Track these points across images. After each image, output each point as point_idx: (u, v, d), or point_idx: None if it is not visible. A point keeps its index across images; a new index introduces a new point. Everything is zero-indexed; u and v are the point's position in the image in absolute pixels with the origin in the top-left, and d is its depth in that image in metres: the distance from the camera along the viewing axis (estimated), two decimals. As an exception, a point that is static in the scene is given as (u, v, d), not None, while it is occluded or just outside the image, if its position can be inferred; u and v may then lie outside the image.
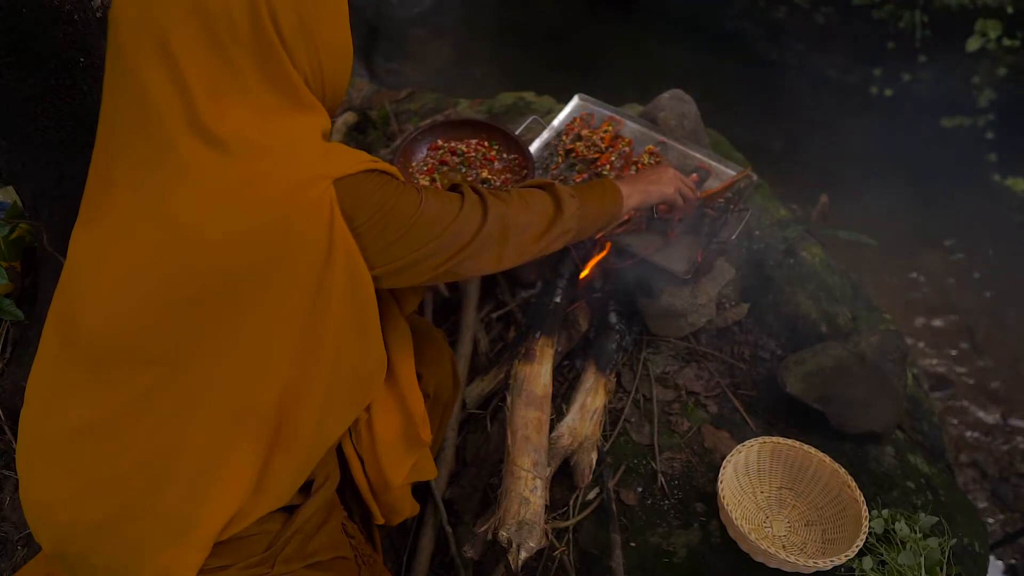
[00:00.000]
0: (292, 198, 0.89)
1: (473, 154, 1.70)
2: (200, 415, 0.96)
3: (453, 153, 1.69)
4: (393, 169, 1.02)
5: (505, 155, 1.71)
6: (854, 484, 1.50)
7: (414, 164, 1.67)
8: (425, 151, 1.70)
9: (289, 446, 1.04)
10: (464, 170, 1.67)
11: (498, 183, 1.65)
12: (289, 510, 1.14)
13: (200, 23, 0.86)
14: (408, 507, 1.42)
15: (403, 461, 1.35)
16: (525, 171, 1.66)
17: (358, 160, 0.96)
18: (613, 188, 1.39)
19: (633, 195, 1.42)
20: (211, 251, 0.89)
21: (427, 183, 1.62)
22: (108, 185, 0.93)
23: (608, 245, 1.82)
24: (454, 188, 1.15)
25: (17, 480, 1.71)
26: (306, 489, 1.17)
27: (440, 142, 1.72)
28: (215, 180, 0.88)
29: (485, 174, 1.66)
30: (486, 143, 1.73)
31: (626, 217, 1.63)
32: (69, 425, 0.97)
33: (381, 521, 1.38)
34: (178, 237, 0.89)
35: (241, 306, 0.92)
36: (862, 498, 1.47)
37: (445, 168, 1.67)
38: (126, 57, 0.88)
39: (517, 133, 1.85)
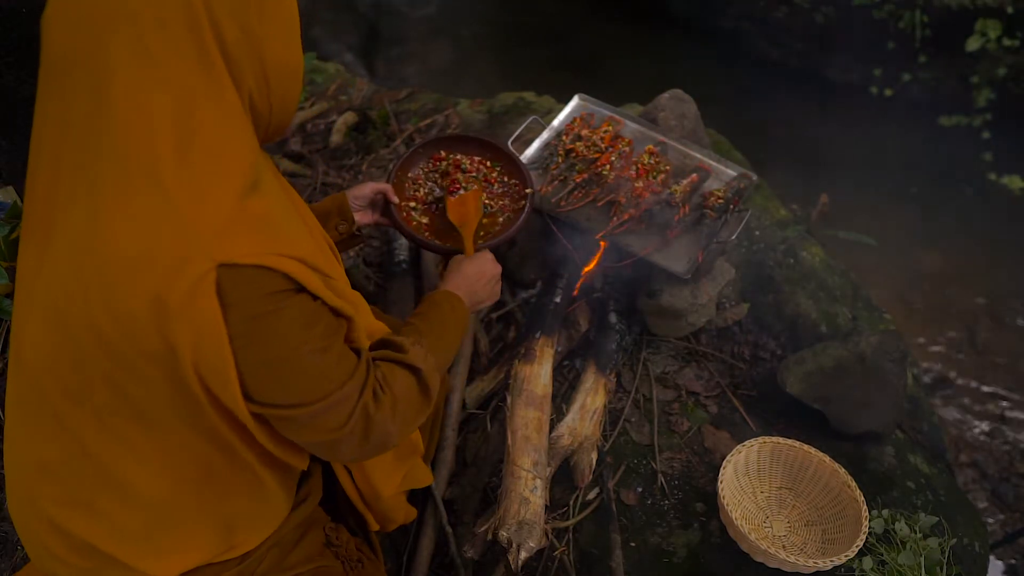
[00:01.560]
0: (171, 271, 0.79)
1: (474, 173, 1.65)
2: (130, 466, 0.93)
3: (456, 167, 1.65)
4: (313, 281, 0.89)
5: (506, 179, 1.66)
6: (854, 484, 1.50)
7: (410, 175, 1.64)
8: (426, 162, 1.66)
9: (239, 494, 1.03)
10: (465, 188, 1.63)
11: (495, 208, 1.62)
12: None
13: (134, 33, 0.79)
14: (402, 514, 1.41)
15: (393, 473, 1.33)
16: (523, 201, 1.61)
17: (260, 250, 0.83)
18: (463, 315, 1.29)
19: (471, 308, 1.35)
20: (115, 288, 0.81)
21: (423, 195, 1.60)
22: (34, 204, 0.88)
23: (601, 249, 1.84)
24: (357, 352, 1.00)
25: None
26: None
27: (444, 153, 1.67)
28: (121, 217, 0.80)
29: (483, 198, 1.62)
30: (488, 163, 1.68)
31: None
32: (29, 455, 0.96)
33: (377, 528, 1.38)
34: (88, 269, 0.82)
35: (134, 363, 0.84)
36: (862, 498, 1.47)
37: (436, 176, 1.64)
38: (57, 67, 0.82)
39: (518, 133, 1.86)
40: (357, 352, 1.00)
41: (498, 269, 1.43)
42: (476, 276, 1.38)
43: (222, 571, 1.07)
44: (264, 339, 0.86)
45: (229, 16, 0.83)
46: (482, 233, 1.58)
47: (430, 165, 1.66)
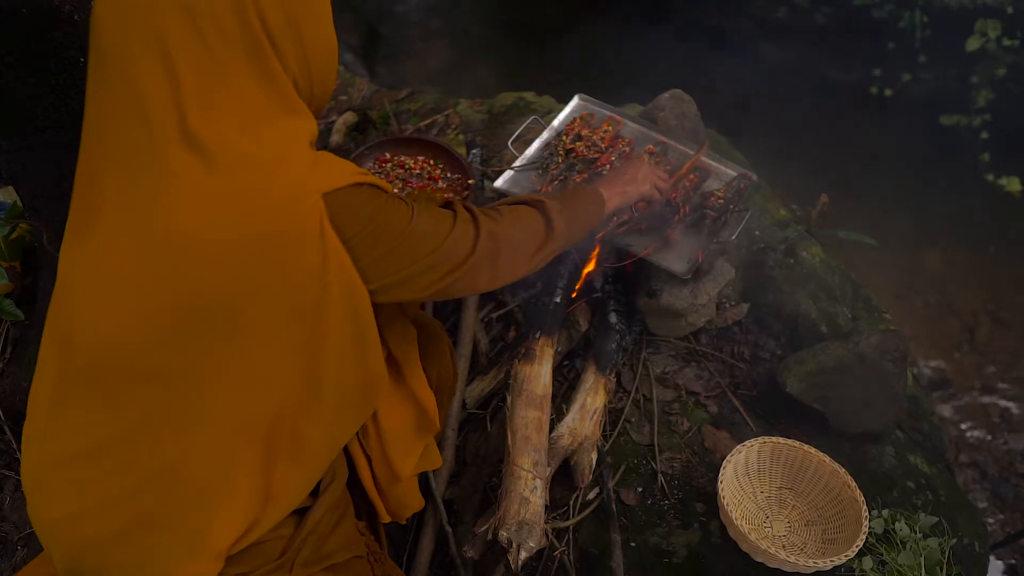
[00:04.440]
0: (282, 212, 0.88)
1: (419, 171, 1.79)
2: (199, 431, 0.95)
3: (401, 167, 1.77)
4: (383, 182, 1.01)
5: (448, 175, 1.79)
6: (854, 484, 1.50)
7: None
8: (371, 164, 1.78)
9: (296, 456, 1.04)
10: (406, 187, 1.76)
11: (440, 202, 1.73)
12: (300, 512, 1.13)
13: (188, 22, 0.84)
14: (416, 501, 1.42)
15: (412, 451, 1.35)
16: (467, 192, 1.73)
17: (347, 173, 0.95)
18: (596, 196, 1.40)
19: (613, 199, 1.44)
20: (200, 265, 0.87)
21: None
22: (97, 195, 0.91)
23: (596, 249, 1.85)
24: (447, 205, 1.15)
25: (17, 479, 1.71)
26: (314, 491, 1.17)
27: (388, 155, 1.79)
28: (204, 191, 0.86)
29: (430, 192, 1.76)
30: (431, 161, 1.81)
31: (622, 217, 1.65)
32: (73, 445, 0.96)
33: (387, 519, 1.38)
34: (167, 251, 0.87)
35: (233, 321, 0.91)
36: (862, 498, 1.47)
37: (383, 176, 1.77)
38: (112, 60, 0.87)
39: (518, 133, 1.86)
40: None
41: (650, 170, 1.54)
42: (625, 171, 1.52)
43: (263, 563, 1.07)
44: (381, 233, 0.99)
45: (273, 0, 0.88)
46: None
47: (376, 166, 1.79)
